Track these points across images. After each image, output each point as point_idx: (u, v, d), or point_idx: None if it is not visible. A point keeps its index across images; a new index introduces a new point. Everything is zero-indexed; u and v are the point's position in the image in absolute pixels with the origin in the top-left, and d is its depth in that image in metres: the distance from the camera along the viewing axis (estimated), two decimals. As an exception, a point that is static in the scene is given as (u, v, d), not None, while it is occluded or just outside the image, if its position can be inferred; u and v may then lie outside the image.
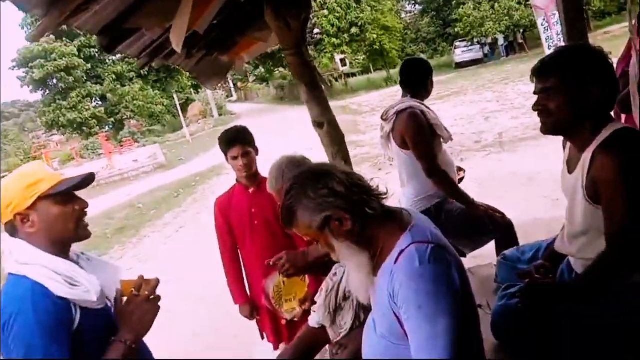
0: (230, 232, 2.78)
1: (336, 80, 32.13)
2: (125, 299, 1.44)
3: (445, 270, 1.28)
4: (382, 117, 3.08)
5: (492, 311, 1.89)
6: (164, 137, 25.88)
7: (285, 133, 12.91)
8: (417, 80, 2.99)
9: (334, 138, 2.69)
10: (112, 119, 29.67)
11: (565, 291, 1.75)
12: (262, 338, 2.96)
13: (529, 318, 1.74)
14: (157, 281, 1.47)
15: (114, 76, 30.38)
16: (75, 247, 1.54)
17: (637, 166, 1.53)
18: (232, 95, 56.91)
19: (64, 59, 27.83)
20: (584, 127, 1.66)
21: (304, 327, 2.29)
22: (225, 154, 2.67)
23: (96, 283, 1.40)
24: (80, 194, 1.50)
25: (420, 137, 2.83)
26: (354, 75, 36.99)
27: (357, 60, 34.68)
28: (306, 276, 2.32)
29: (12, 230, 1.41)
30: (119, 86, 29.99)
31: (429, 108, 2.96)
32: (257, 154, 2.72)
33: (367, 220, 1.36)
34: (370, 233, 1.38)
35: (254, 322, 2.91)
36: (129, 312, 1.41)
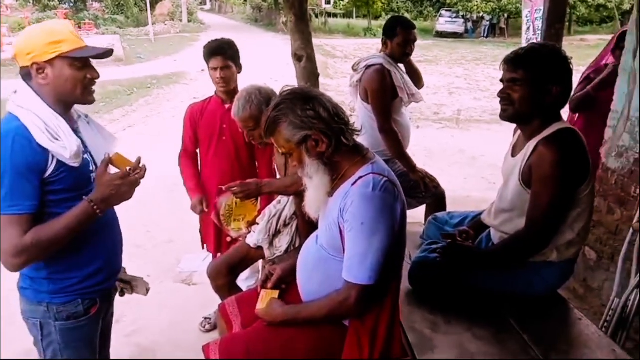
0: (194, 142, 2.81)
1: (316, 17, 31.23)
2: (112, 169, 1.53)
3: (391, 202, 1.51)
4: (353, 67, 3.19)
5: (412, 261, 2.12)
6: (126, 30, 24.38)
7: (253, 58, 12.63)
8: (389, 39, 3.04)
9: (310, 74, 2.76)
10: (75, -4, 27.46)
11: (479, 256, 2.02)
12: (203, 247, 3.08)
13: (441, 272, 2.00)
14: (146, 169, 1.57)
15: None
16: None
17: (570, 165, 1.77)
18: (205, 4, 54.07)
19: None
20: (536, 120, 1.86)
21: (241, 243, 2.47)
22: (207, 64, 2.66)
23: (75, 143, 1.48)
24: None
25: (379, 94, 2.97)
26: (335, 16, 36.00)
27: (341, 2, 33.74)
28: (258, 200, 2.43)
29: (26, 75, 1.50)
30: (88, -40, 27.61)
31: (398, 69, 3.08)
32: (240, 71, 2.72)
33: (339, 148, 1.55)
34: (338, 159, 1.58)
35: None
36: (115, 185, 1.49)
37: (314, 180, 1.57)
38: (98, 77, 1.55)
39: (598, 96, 3.26)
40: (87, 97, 1.55)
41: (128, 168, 1.52)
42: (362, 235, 1.48)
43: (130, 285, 1.87)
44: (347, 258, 1.53)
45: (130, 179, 1.51)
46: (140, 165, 1.55)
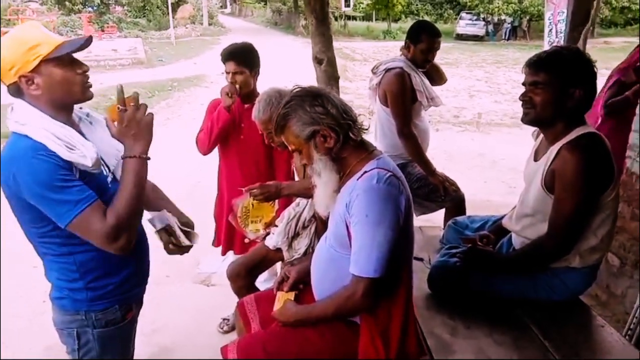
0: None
1: (335, 20, 31.25)
2: (115, 123, 1.46)
3: (395, 194, 1.52)
4: (372, 70, 3.19)
5: (432, 265, 2.11)
6: (147, 32, 24.73)
7: (272, 60, 12.69)
8: (413, 44, 3.03)
9: (330, 77, 2.77)
10: (99, 0, 27.94)
11: (499, 261, 2.00)
12: (217, 245, 3.05)
13: (461, 276, 1.99)
14: (137, 93, 1.48)
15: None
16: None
17: (594, 170, 1.74)
18: (226, 7, 54.57)
19: None
20: (559, 123, 1.84)
21: (260, 245, 2.48)
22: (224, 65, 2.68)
23: (92, 149, 1.42)
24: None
25: (399, 97, 2.96)
26: (354, 18, 35.96)
27: (361, 4, 33.75)
28: (276, 201, 2.44)
29: (17, 92, 1.43)
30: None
31: (418, 73, 3.06)
32: (257, 75, 2.73)
33: (346, 143, 1.58)
34: (345, 155, 1.61)
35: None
36: (128, 127, 1.43)
37: (323, 177, 1.59)
38: (88, 69, 1.48)
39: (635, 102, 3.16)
40: (86, 94, 1.48)
41: (118, 107, 1.44)
42: (367, 227, 1.50)
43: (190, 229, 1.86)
44: (353, 252, 1.55)
45: (128, 113, 1.43)
46: (127, 97, 1.45)
